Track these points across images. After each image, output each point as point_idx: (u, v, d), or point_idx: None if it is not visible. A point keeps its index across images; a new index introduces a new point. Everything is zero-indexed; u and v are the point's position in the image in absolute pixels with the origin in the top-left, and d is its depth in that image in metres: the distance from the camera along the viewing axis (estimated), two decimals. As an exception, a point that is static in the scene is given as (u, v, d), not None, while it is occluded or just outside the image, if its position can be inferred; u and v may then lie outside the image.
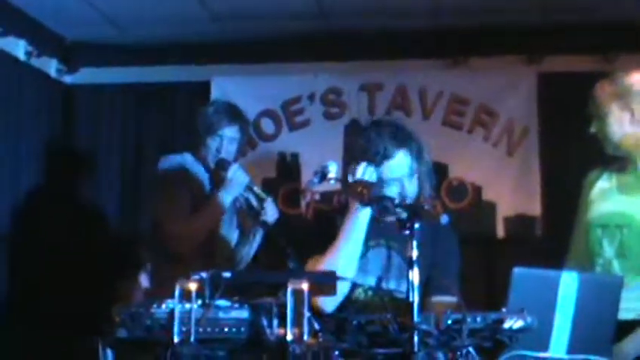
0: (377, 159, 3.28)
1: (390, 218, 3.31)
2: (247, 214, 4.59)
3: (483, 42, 6.57)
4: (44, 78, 6.77)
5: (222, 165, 4.43)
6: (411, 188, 3.33)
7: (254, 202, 4.49)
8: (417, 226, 2.71)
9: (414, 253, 2.68)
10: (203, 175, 4.51)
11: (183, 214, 4.37)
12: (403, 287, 3.16)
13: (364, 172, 3.23)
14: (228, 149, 4.48)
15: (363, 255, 3.31)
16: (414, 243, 2.69)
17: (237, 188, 4.39)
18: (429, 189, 3.43)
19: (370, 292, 3.24)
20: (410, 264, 2.68)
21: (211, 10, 6.26)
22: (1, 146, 6.05)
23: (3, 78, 6.10)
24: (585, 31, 6.33)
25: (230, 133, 4.47)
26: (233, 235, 4.65)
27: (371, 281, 3.25)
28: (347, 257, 3.22)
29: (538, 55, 6.51)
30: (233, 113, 4.56)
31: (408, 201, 3.20)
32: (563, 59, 6.53)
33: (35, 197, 6.39)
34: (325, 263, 3.20)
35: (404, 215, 2.77)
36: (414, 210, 2.74)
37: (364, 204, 3.15)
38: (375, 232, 3.32)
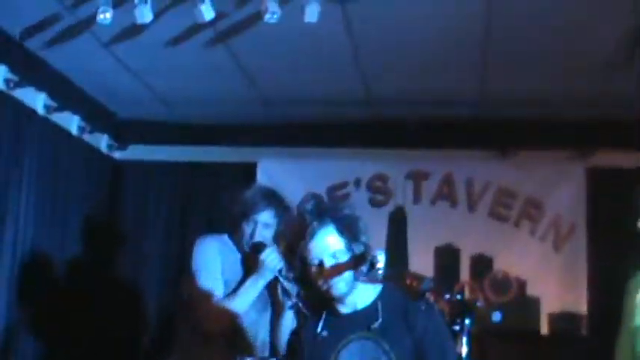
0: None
1: (349, 310, 3.27)
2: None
3: (532, 134, 6.57)
4: (95, 153, 6.88)
5: (257, 248, 4.24)
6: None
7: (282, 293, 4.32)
8: (467, 322, 2.66)
9: (464, 350, 2.63)
10: (236, 258, 4.44)
11: (211, 295, 4.29)
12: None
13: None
14: (263, 234, 4.28)
15: (336, 358, 3.22)
16: (464, 339, 2.64)
17: (269, 272, 4.28)
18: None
19: None
20: (459, 360, 2.63)
21: (261, 93, 6.32)
22: (50, 217, 6.09)
23: (56, 151, 6.18)
24: (636, 126, 6.28)
25: (264, 218, 4.28)
26: (263, 320, 4.52)
27: None
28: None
29: (588, 150, 6.50)
30: (269, 198, 4.37)
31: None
32: (613, 155, 6.52)
33: (78, 270, 6.41)
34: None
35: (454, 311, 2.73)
36: (467, 305, 2.70)
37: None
38: (341, 331, 3.24)
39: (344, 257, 3.21)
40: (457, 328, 2.67)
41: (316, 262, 3.21)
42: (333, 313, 3.30)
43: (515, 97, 6.15)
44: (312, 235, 3.22)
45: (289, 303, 4.13)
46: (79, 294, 6.29)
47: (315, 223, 3.22)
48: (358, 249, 3.24)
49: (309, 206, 3.30)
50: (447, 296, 2.85)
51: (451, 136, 6.70)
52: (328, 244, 3.22)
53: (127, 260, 7.00)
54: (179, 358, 4.46)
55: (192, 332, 4.34)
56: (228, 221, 4.44)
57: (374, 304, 3.24)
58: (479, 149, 6.74)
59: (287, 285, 4.15)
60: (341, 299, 3.25)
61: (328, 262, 3.18)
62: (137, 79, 6.11)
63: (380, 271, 3.25)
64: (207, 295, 4.26)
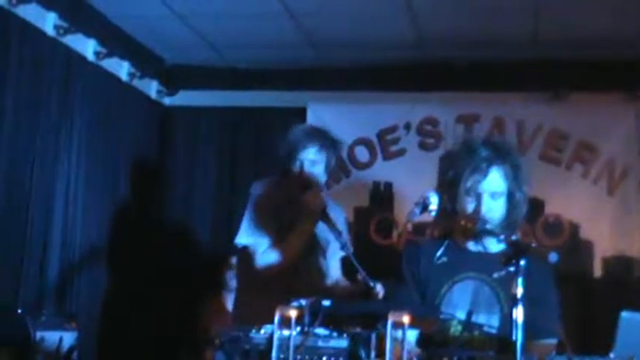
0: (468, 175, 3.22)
1: (477, 249, 3.27)
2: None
3: (585, 76, 6.44)
4: (145, 99, 6.92)
5: (302, 187, 4.24)
6: (495, 208, 3.24)
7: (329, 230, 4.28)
8: (522, 263, 2.63)
9: (519, 291, 2.60)
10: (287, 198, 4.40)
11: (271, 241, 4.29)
12: (493, 321, 3.12)
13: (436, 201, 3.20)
14: (311, 172, 4.27)
15: (449, 289, 3.24)
16: (520, 280, 2.62)
17: (314, 214, 4.20)
18: (521, 216, 3.32)
19: (459, 327, 3.15)
20: (515, 302, 2.60)
21: (310, 37, 6.28)
22: (101, 163, 6.17)
23: (106, 97, 6.24)
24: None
25: (310, 155, 4.27)
26: (320, 264, 4.52)
27: (460, 315, 3.18)
28: None
29: (641, 92, 6.38)
30: (311, 134, 4.36)
31: (489, 224, 3.14)
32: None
33: (130, 214, 6.50)
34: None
35: (509, 251, 2.70)
36: (521, 247, 2.67)
37: (468, 238, 3.11)
38: (461, 265, 3.26)
39: (501, 199, 3.22)
40: (512, 269, 2.63)
41: (473, 195, 3.21)
42: (458, 244, 3.31)
43: (568, 38, 6.05)
44: (480, 169, 3.21)
45: (338, 243, 4.14)
46: (130, 235, 6.38)
47: (488, 159, 3.22)
48: (519, 196, 3.25)
49: (484, 140, 3.30)
50: (502, 237, 2.82)
51: (502, 78, 6.60)
52: (492, 183, 3.22)
53: (177, 204, 7.06)
54: (237, 304, 4.51)
55: (248, 278, 4.36)
56: (279, 166, 4.42)
57: (502, 253, 3.20)
58: (530, 91, 6.62)
59: (334, 223, 4.16)
60: (480, 237, 3.24)
61: (486, 199, 3.19)
62: (185, 24, 6.09)
63: (433, 213, 3.24)
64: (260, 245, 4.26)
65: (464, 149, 3.29)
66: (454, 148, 3.40)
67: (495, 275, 3.13)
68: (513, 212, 3.24)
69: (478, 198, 3.20)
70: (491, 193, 3.21)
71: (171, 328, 6.46)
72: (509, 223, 3.17)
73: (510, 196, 3.23)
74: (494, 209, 3.20)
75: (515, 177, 3.24)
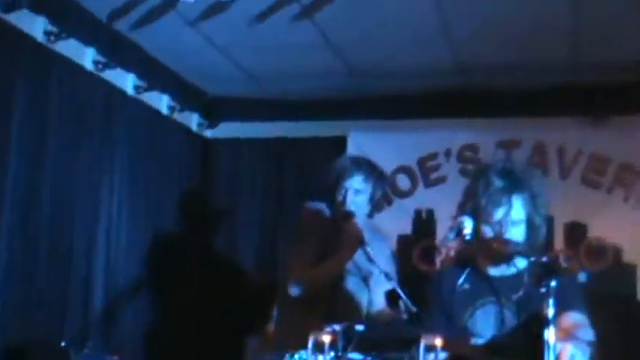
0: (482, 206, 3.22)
1: (500, 273, 3.27)
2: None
3: (625, 99, 6.38)
4: (186, 132, 6.97)
5: (344, 217, 4.31)
6: (517, 234, 3.24)
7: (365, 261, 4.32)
8: (553, 284, 2.63)
9: (551, 312, 2.60)
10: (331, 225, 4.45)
11: (305, 260, 4.33)
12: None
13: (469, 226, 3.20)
14: (355, 201, 4.35)
15: (471, 316, 3.24)
16: (550, 301, 2.62)
17: (354, 242, 4.24)
18: (541, 239, 3.32)
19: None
20: (546, 323, 2.60)
21: (349, 66, 6.31)
22: (144, 196, 6.22)
23: (147, 131, 6.29)
24: None
25: (355, 184, 4.35)
26: (361, 294, 4.52)
27: (483, 340, 3.17)
28: None
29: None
30: (358, 164, 4.45)
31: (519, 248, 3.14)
32: None
33: (174, 246, 6.54)
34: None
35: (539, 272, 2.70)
36: (552, 267, 2.67)
37: (496, 262, 3.11)
38: (482, 290, 3.27)
39: (521, 226, 3.25)
40: (543, 290, 2.63)
41: (495, 224, 3.22)
42: (479, 271, 3.34)
43: (606, 61, 6.00)
44: (499, 201, 3.23)
45: (375, 270, 4.13)
46: (174, 267, 6.42)
47: (505, 190, 3.24)
48: (538, 221, 3.27)
49: (500, 170, 3.31)
50: (533, 259, 2.82)
51: (542, 103, 6.56)
52: (512, 212, 3.23)
53: (221, 236, 7.09)
54: (278, 324, 4.53)
55: (286, 297, 4.39)
56: (323, 193, 4.47)
57: (520, 273, 3.23)
58: (570, 116, 6.58)
59: (371, 254, 4.15)
60: (512, 258, 3.25)
61: (508, 228, 3.21)
62: (224, 56, 6.16)
63: (467, 237, 3.25)
64: (297, 262, 4.30)
65: (481, 180, 3.30)
66: (472, 177, 3.42)
67: (514, 296, 3.16)
68: (533, 236, 3.25)
69: (500, 226, 3.20)
70: (512, 221, 3.23)
71: None
72: (530, 246, 3.17)
73: (530, 222, 3.25)
74: (515, 236, 3.21)
75: (533, 204, 3.26)
